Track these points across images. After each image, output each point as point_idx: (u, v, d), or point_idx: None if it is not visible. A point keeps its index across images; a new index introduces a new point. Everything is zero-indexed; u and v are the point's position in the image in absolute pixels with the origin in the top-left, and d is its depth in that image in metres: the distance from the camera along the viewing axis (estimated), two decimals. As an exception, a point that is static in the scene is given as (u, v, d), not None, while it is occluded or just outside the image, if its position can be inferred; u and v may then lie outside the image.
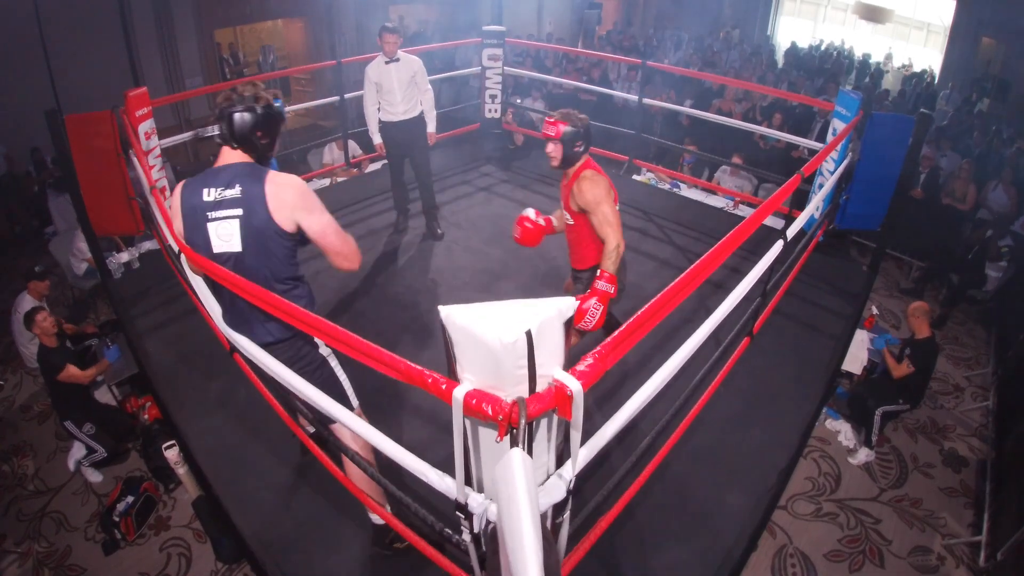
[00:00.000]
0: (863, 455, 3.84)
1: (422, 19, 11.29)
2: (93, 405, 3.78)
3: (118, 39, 5.67)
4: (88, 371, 3.53)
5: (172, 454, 2.99)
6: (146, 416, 3.93)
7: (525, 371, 1.19)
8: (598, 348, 1.29)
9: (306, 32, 9.62)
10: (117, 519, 3.31)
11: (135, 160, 3.63)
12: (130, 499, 3.39)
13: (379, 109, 3.94)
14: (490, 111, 5.69)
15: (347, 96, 4.95)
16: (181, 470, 3.06)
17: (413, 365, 1.31)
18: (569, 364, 1.28)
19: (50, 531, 3.42)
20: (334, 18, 9.28)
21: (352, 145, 5.32)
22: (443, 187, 5.08)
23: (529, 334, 1.16)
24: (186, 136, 4.57)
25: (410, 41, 10.46)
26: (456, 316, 1.22)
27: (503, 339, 1.15)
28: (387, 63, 3.84)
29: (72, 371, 3.44)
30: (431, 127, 4.08)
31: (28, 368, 4.48)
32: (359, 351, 1.41)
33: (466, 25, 10.80)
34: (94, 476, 3.71)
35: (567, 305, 1.25)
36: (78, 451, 3.69)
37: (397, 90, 3.87)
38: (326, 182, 5.26)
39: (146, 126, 3.69)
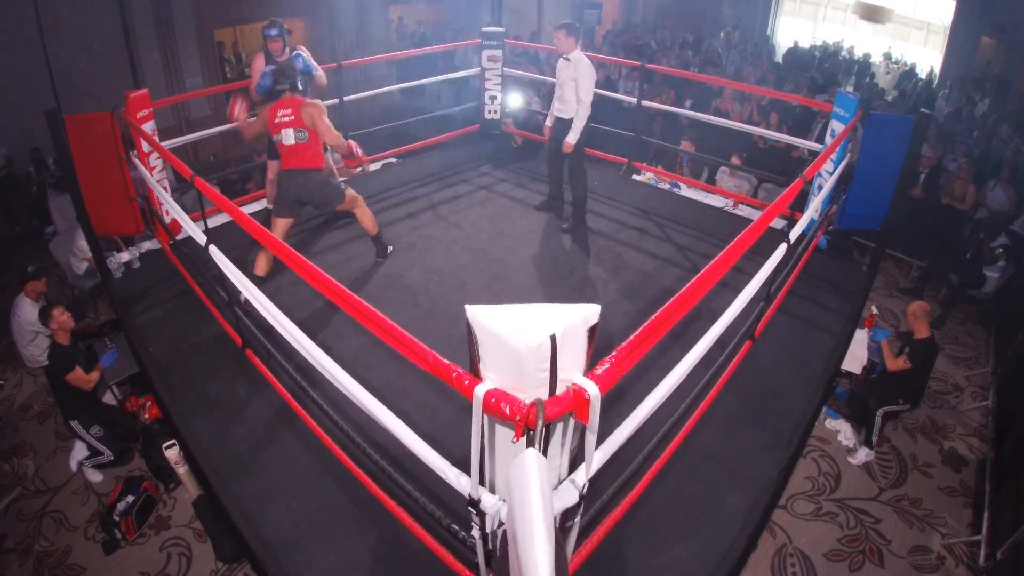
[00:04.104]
0: (863, 455, 3.85)
1: (422, 19, 11.31)
2: (101, 407, 3.77)
3: (118, 39, 5.68)
4: (91, 376, 3.53)
5: (172, 453, 3.00)
6: (146, 416, 3.93)
7: (547, 374, 1.21)
8: (615, 352, 1.30)
9: (306, 32, 9.62)
10: (117, 519, 3.31)
11: (137, 161, 3.64)
12: (130, 499, 3.39)
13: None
14: (489, 112, 5.70)
15: (347, 98, 4.94)
16: (181, 469, 3.06)
17: (441, 358, 1.33)
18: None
19: (50, 531, 3.42)
20: (334, 18, 9.30)
21: (352, 145, 5.31)
22: (443, 187, 5.09)
23: (554, 339, 1.18)
24: (188, 138, 4.59)
25: (408, 41, 10.50)
26: (483, 316, 1.24)
27: (528, 342, 1.17)
28: (561, 59, 3.97)
29: (79, 373, 3.43)
30: (569, 137, 4.04)
31: (28, 368, 4.48)
32: (394, 338, 1.48)
33: (466, 26, 10.83)
34: (94, 476, 3.71)
35: (592, 312, 1.27)
36: (80, 451, 3.69)
37: (557, 87, 4.08)
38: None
39: (147, 127, 3.70)
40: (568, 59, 3.91)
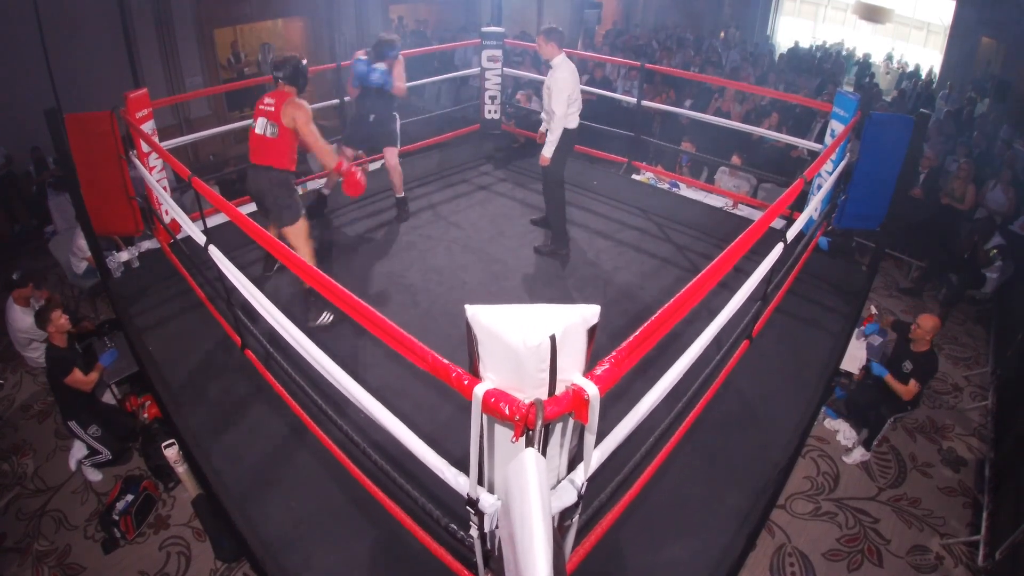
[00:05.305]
0: (858, 455, 3.85)
1: (421, 19, 11.31)
2: (99, 407, 3.77)
3: (118, 39, 5.69)
4: (90, 377, 3.52)
5: (171, 453, 3.00)
6: (145, 415, 3.93)
7: (546, 375, 1.21)
8: (614, 353, 1.30)
9: (306, 32, 9.63)
10: (116, 518, 3.32)
11: (136, 161, 3.64)
12: (129, 498, 3.39)
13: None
14: (489, 112, 5.70)
15: (347, 98, 4.95)
16: (180, 469, 3.06)
17: (440, 358, 1.34)
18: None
19: (50, 530, 3.42)
20: (334, 18, 9.29)
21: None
22: (443, 186, 5.09)
23: (553, 339, 1.18)
24: (188, 138, 4.59)
25: (408, 40, 10.49)
26: (482, 316, 1.24)
27: (527, 342, 1.17)
28: (549, 66, 3.73)
29: (77, 376, 3.43)
30: (544, 150, 3.79)
31: (28, 368, 4.49)
32: (393, 338, 1.47)
33: (469, 25, 10.82)
34: (94, 475, 3.71)
35: (591, 312, 1.27)
36: (79, 451, 3.69)
37: (543, 97, 3.81)
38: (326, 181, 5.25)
39: (147, 127, 3.70)
40: (551, 66, 3.66)
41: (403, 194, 4.51)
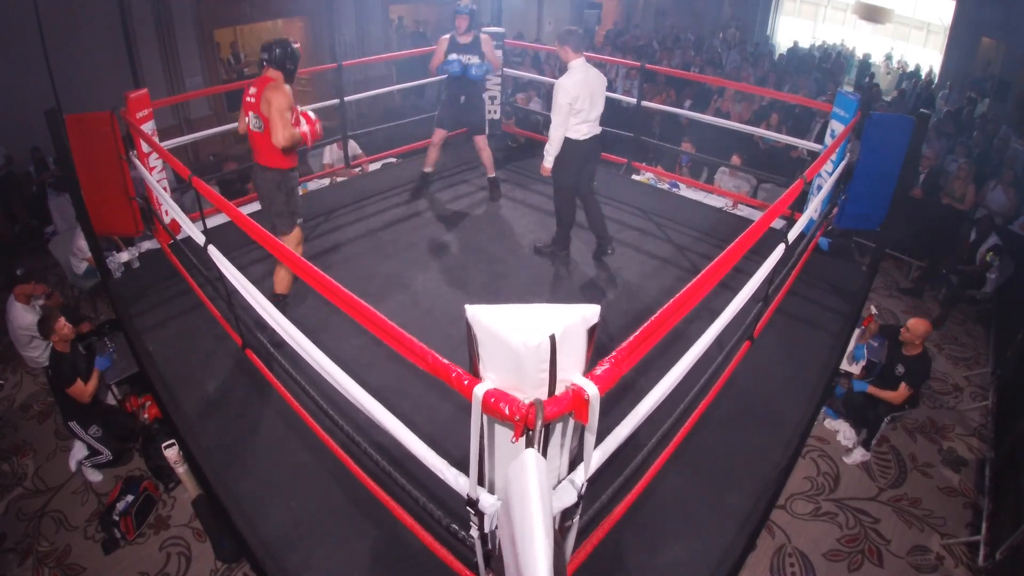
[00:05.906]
0: (858, 455, 3.85)
1: (421, 19, 11.31)
2: (99, 407, 3.77)
3: (118, 39, 5.68)
4: (90, 387, 3.52)
5: (172, 453, 3.00)
6: (146, 415, 3.93)
7: (546, 375, 1.21)
8: (614, 352, 1.30)
9: (306, 32, 9.63)
10: (117, 518, 3.32)
11: (137, 161, 3.64)
12: (130, 498, 3.39)
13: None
14: (489, 112, 5.69)
15: (346, 98, 4.95)
16: (181, 469, 3.06)
17: (440, 358, 1.34)
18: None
19: (50, 530, 3.42)
20: (334, 18, 9.30)
21: (352, 145, 5.31)
22: (443, 187, 5.09)
23: (553, 339, 1.18)
24: (188, 138, 4.59)
25: (410, 40, 10.49)
26: (482, 316, 1.24)
27: (527, 342, 1.17)
28: None
29: (79, 387, 3.42)
30: (545, 160, 3.62)
31: (28, 368, 4.48)
32: (394, 338, 1.46)
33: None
34: (94, 475, 3.71)
35: (591, 312, 1.27)
36: (79, 451, 3.69)
37: None
38: (326, 182, 5.26)
39: (147, 127, 3.70)
40: (566, 69, 3.45)
41: (495, 174, 4.79)
